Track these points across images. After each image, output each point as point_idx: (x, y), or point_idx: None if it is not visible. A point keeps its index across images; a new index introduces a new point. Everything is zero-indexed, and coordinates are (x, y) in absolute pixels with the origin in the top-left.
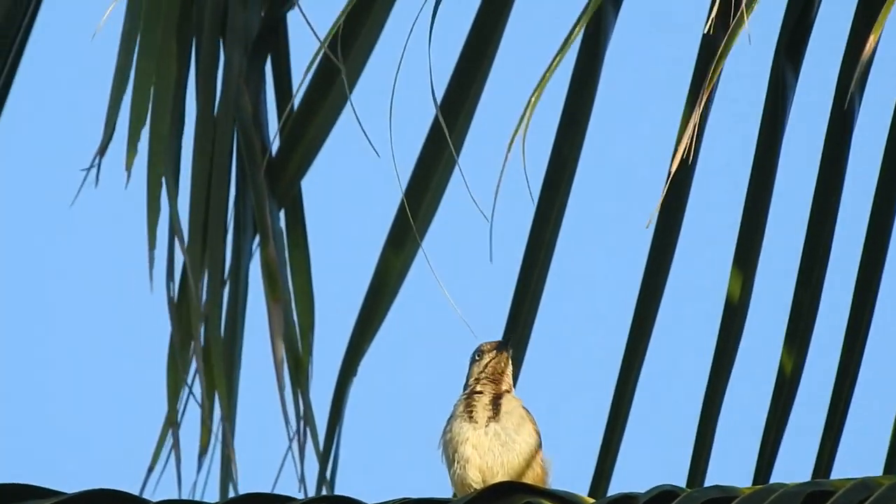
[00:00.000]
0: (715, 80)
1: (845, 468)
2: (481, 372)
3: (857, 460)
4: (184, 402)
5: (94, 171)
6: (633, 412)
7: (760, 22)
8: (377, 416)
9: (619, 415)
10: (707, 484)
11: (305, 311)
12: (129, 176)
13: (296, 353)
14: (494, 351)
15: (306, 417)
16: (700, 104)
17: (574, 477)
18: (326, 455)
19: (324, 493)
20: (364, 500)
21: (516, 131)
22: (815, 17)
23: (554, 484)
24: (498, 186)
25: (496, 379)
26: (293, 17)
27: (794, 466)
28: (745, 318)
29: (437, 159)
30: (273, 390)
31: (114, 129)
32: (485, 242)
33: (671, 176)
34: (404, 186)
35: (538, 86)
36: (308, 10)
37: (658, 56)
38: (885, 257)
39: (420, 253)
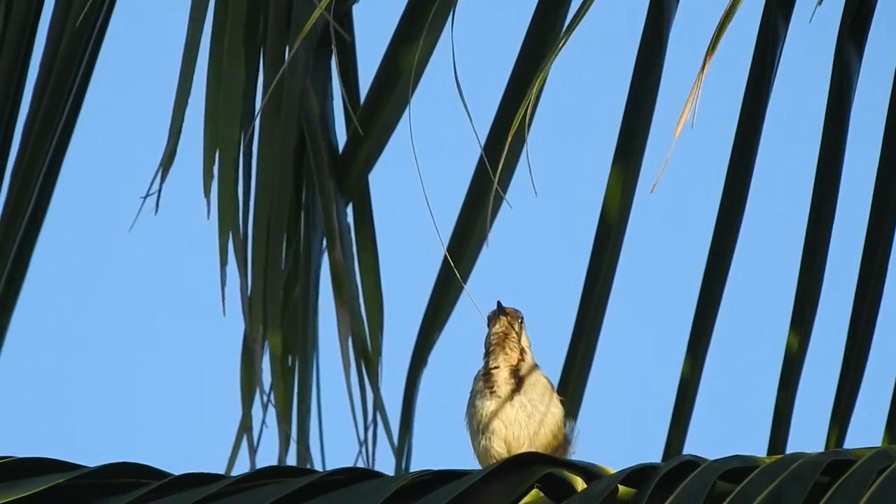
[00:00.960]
0: (717, 44)
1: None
2: (489, 344)
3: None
4: (259, 407)
5: (154, 196)
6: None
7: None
8: (446, 406)
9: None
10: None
11: (374, 310)
12: (209, 203)
13: (366, 353)
14: (493, 319)
15: (380, 414)
16: (704, 69)
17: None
18: (401, 449)
19: None
20: (385, 473)
21: (524, 110)
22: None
23: (584, 455)
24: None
25: (505, 346)
26: (358, 12)
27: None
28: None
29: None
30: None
31: (177, 143)
32: (548, 238)
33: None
34: (468, 183)
35: (545, 65)
36: (372, 4)
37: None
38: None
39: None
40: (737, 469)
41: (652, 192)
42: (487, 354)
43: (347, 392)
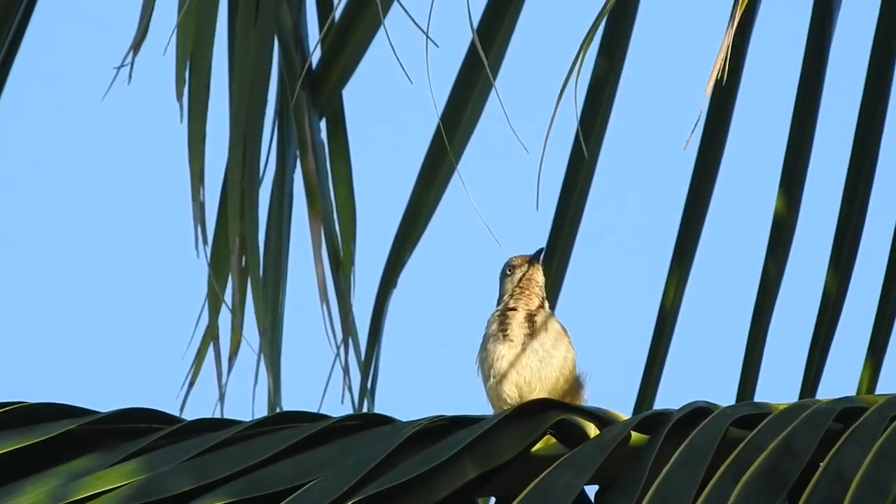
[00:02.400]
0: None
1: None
2: (515, 286)
3: None
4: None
5: (126, 69)
6: (678, 332)
7: None
8: (416, 329)
9: (664, 334)
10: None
11: (347, 220)
12: (181, 106)
13: (338, 263)
14: (526, 264)
15: (347, 326)
16: (733, 25)
17: (619, 396)
18: (367, 366)
19: (366, 405)
20: (398, 418)
21: (566, 83)
22: None
23: (592, 400)
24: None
25: (530, 293)
26: None
27: (842, 386)
28: (791, 238)
29: (475, 79)
30: (315, 303)
31: (147, 28)
32: (525, 162)
33: (711, 97)
34: (441, 107)
35: (588, 35)
36: None
37: None
38: None
39: (458, 168)
40: (749, 416)
41: (685, 148)
42: (509, 296)
43: (320, 302)
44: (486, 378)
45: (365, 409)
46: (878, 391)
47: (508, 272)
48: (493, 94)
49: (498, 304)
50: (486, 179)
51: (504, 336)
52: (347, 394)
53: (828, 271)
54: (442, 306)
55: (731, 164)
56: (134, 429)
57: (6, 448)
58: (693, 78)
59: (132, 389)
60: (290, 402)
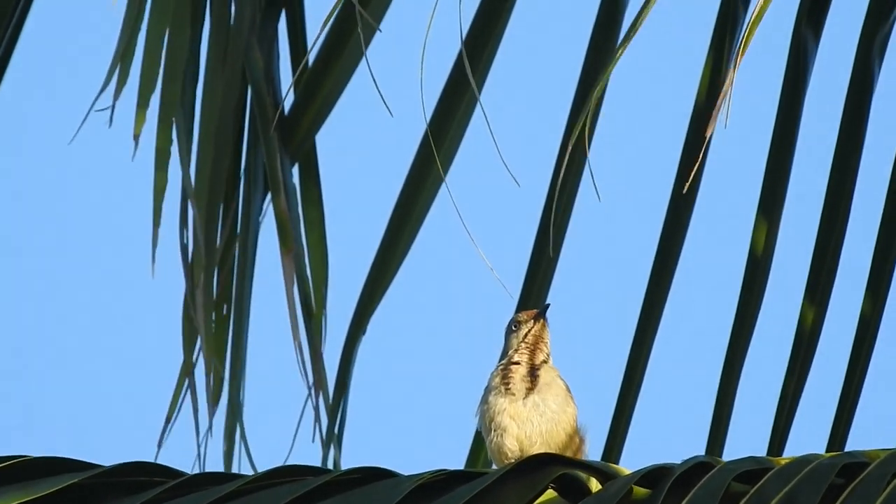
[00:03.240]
0: (748, 43)
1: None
2: (521, 342)
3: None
4: (198, 354)
5: (104, 114)
6: (649, 378)
7: None
8: (386, 376)
9: (634, 379)
10: (729, 453)
11: (319, 264)
12: (136, 145)
13: (309, 307)
14: (532, 321)
15: (317, 370)
16: (735, 66)
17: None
18: (335, 410)
19: (331, 449)
20: (398, 472)
21: (583, 124)
22: None
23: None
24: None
25: (535, 348)
26: None
27: (808, 439)
28: (767, 273)
29: (457, 107)
30: (288, 344)
31: (125, 82)
32: (504, 200)
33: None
34: (416, 146)
35: (604, 74)
36: None
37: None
38: None
39: (429, 216)
40: (751, 471)
41: (684, 192)
42: (514, 350)
43: (293, 340)
44: (486, 432)
45: (331, 454)
46: (847, 446)
47: (514, 328)
48: (464, 140)
49: (501, 358)
50: (458, 226)
51: (506, 390)
52: (317, 433)
53: (802, 307)
54: (413, 351)
55: (703, 213)
56: (136, 482)
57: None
58: (674, 123)
59: (119, 428)
60: (261, 444)
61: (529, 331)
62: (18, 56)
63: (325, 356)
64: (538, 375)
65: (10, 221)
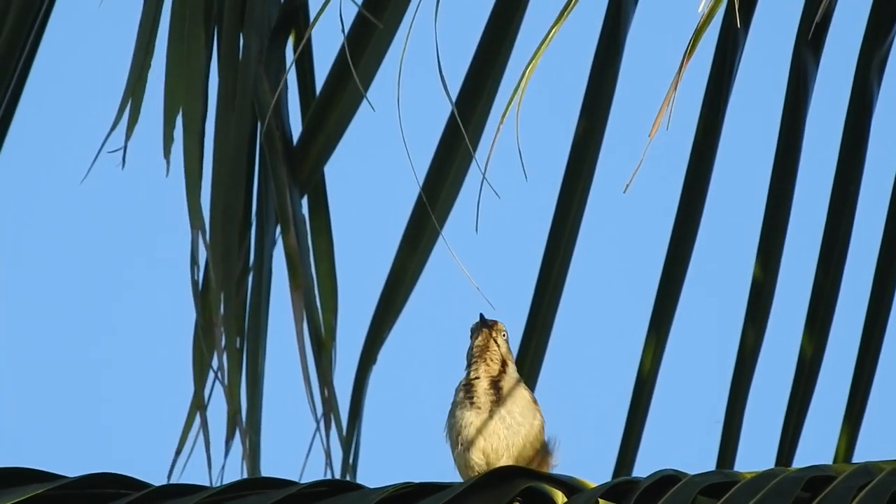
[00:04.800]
0: (694, 48)
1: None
2: (470, 356)
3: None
4: (210, 387)
5: (118, 153)
6: (657, 400)
7: (781, 10)
8: (398, 404)
9: (641, 400)
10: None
11: (329, 295)
12: (168, 164)
13: (319, 338)
14: (471, 336)
15: (329, 402)
16: (679, 75)
17: (596, 463)
18: (349, 440)
19: (348, 478)
20: (368, 486)
21: (508, 105)
22: (836, 4)
23: (570, 467)
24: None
25: (487, 359)
26: (315, 2)
27: (818, 453)
28: (770, 304)
29: (455, 151)
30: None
31: (138, 112)
32: (504, 230)
33: (689, 161)
34: (422, 178)
35: (532, 58)
36: None
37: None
38: None
39: (439, 242)
40: (718, 484)
41: (625, 192)
42: (469, 366)
43: (302, 376)
44: (454, 445)
45: None
46: (854, 458)
47: (470, 340)
48: (474, 165)
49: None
50: (468, 251)
51: (471, 404)
52: (328, 470)
53: (803, 337)
54: (424, 380)
55: (708, 228)
56: (101, 494)
57: None
58: (672, 140)
59: (131, 459)
60: (273, 472)
61: (471, 346)
62: (27, 91)
63: (336, 386)
64: (501, 387)
65: (26, 257)
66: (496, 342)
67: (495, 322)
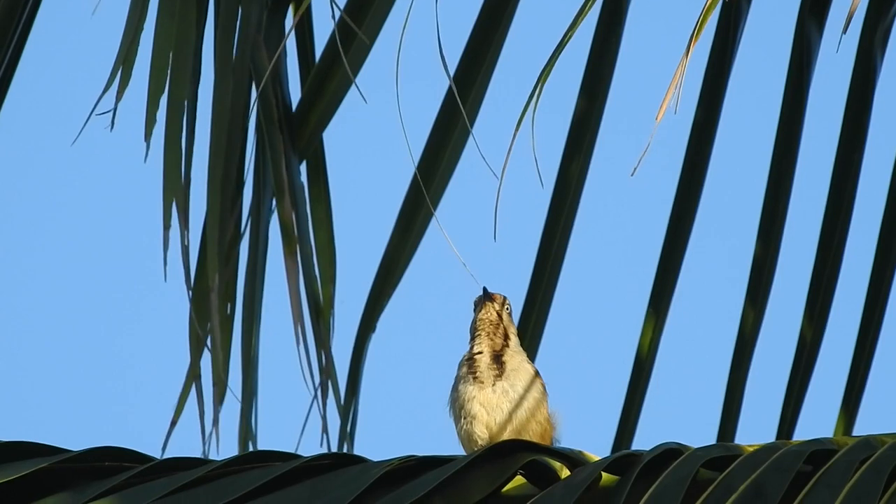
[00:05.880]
0: (699, 35)
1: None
2: (473, 330)
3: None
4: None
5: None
6: (656, 375)
7: None
8: (396, 373)
9: (641, 377)
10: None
11: (327, 263)
12: (148, 147)
13: (318, 305)
14: (474, 309)
15: (327, 371)
16: (687, 56)
17: (597, 438)
18: (347, 409)
19: (345, 448)
20: (371, 458)
21: (527, 105)
22: None
23: (571, 441)
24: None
25: (489, 332)
26: None
27: (816, 427)
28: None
29: (452, 127)
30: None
31: (126, 85)
32: (504, 206)
33: (689, 142)
34: (418, 153)
35: (551, 58)
36: None
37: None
38: None
39: (437, 212)
40: (720, 457)
41: (633, 175)
42: (472, 339)
43: (296, 345)
44: (457, 419)
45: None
46: (855, 432)
47: (473, 314)
48: (471, 138)
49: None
50: (465, 221)
51: (474, 378)
52: (324, 438)
53: (803, 319)
54: (422, 348)
55: (708, 208)
56: (104, 468)
57: None
58: (673, 121)
59: (125, 429)
60: (268, 445)
61: (474, 320)
62: (24, 59)
63: (334, 355)
64: (504, 362)
65: (15, 223)
66: (500, 316)
67: (499, 295)
